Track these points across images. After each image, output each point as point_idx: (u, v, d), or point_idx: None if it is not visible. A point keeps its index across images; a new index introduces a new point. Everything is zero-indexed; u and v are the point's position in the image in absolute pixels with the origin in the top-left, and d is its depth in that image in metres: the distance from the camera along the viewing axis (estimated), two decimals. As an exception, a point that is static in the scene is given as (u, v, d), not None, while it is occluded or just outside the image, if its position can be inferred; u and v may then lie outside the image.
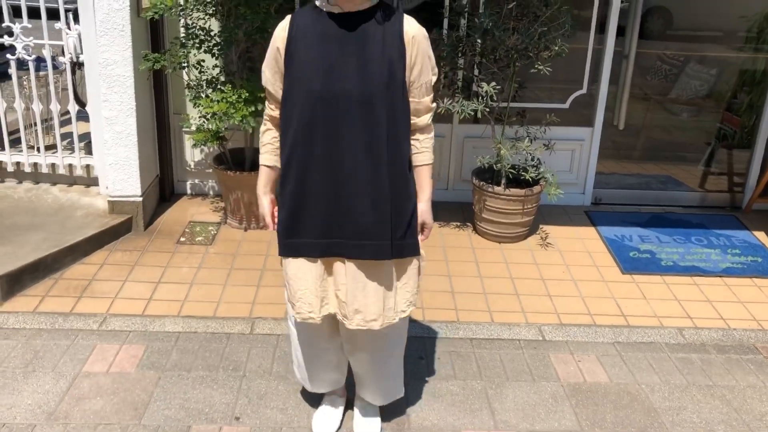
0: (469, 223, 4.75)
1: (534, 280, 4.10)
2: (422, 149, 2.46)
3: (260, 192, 2.55)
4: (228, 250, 4.30)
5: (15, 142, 4.81)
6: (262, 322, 3.57)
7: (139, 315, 3.60)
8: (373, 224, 2.38)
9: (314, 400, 2.99)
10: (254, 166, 4.30)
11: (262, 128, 2.58)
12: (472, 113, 3.96)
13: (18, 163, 4.74)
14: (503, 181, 4.35)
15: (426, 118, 2.44)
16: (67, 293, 3.75)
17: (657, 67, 5.61)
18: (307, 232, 2.43)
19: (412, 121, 2.40)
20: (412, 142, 2.44)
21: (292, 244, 2.47)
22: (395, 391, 2.86)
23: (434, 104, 2.49)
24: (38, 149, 4.72)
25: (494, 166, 4.32)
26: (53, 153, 4.75)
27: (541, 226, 4.79)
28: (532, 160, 4.40)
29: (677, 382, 3.26)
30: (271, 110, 2.51)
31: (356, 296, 2.46)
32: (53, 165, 4.73)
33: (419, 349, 3.41)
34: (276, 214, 2.54)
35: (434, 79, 2.46)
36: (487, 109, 4.03)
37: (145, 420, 2.87)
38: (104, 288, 3.82)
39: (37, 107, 4.64)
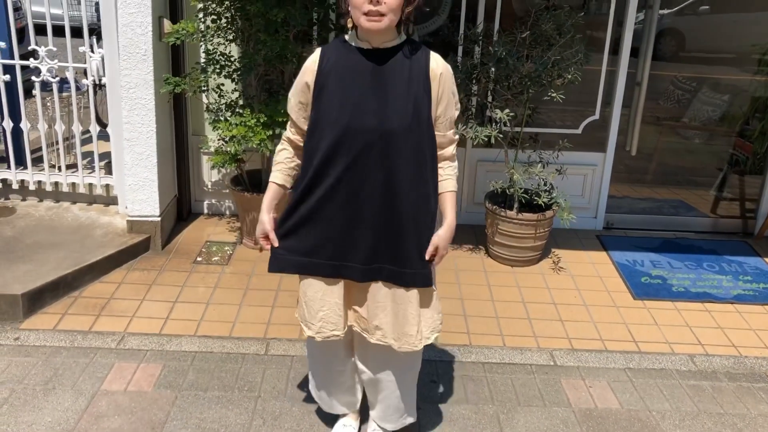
0: (481, 246, 4.80)
1: (546, 305, 4.14)
2: (446, 176, 2.52)
3: (264, 208, 2.58)
4: (243, 269, 4.37)
5: (36, 162, 4.91)
6: (277, 343, 3.62)
7: (156, 334, 3.66)
8: (384, 250, 2.47)
9: (328, 421, 3.04)
10: (271, 188, 4.37)
11: (279, 147, 2.65)
12: (486, 139, 4.02)
13: (39, 182, 4.83)
14: (516, 205, 4.40)
15: (450, 150, 2.54)
16: (86, 311, 3.82)
17: (670, 92, 5.65)
18: (320, 253, 2.51)
19: (438, 153, 2.49)
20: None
21: (305, 264, 2.53)
22: (407, 416, 2.89)
23: (457, 136, 2.57)
24: (59, 168, 4.82)
25: (507, 190, 4.37)
26: (74, 172, 4.85)
27: (553, 250, 4.83)
28: (545, 184, 4.45)
29: (688, 410, 3.28)
30: (291, 134, 2.58)
31: (377, 314, 2.55)
32: (74, 184, 4.83)
33: (432, 372, 3.45)
34: (274, 236, 2.57)
35: (457, 114, 2.55)
36: (500, 135, 4.09)
37: (162, 438, 2.92)
38: (122, 306, 3.89)
39: (59, 127, 4.75)
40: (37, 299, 3.77)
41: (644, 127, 5.28)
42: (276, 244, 2.55)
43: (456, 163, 2.58)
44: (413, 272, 2.49)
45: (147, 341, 3.59)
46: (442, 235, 2.53)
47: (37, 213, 4.71)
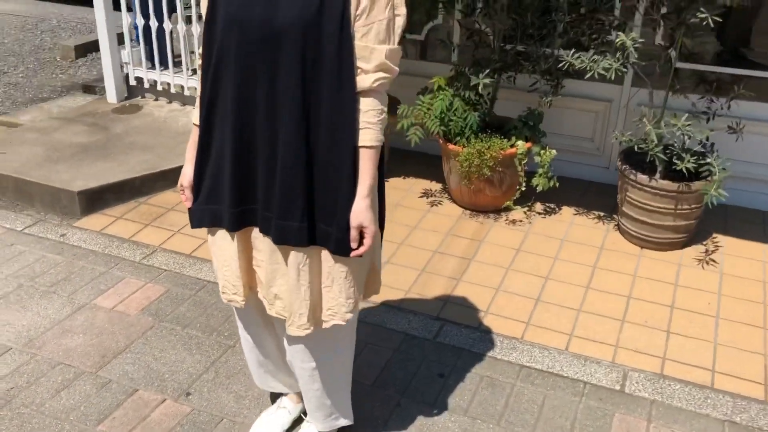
0: (615, 216, 3.73)
1: (658, 306, 3.05)
2: (364, 124, 1.78)
3: (186, 157, 2.02)
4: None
5: (165, 63, 4.87)
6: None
7: (186, 254, 3.40)
8: (281, 199, 1.82)
9: (276, 399, 2.52)
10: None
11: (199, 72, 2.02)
12: (604, 73, 2.96)
13: (169, 84, 4.80)
14: (659, 169, 3.27)
15: (370, 78, 1.75)
16: (139, 219, 3.69)
17: None
18: (217, 198, 1.93)
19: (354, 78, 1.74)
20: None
21: (198, 211, 1.98)
22: (338, 417, 2.26)
23: (394, 63, 1.77)
24: (194, 71, 4.71)
25: (637, 146, 3.25)
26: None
27: (714, 234, 3.58)
28: (701, 144, 3.23)
29: None
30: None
31: (275, 279, 1.96)
32: (195, 89, 4.71)
33: (448, 361, 2.71)
34: (190, 193, 2.01)
35: (399, 22, 1.76)
36: (624, 69, 2.98)
37: (102, 371, 2.65)
38: (175, 219, 3.69)
39: (195, 29, 4.62)
40: (96, 199, 3.72)
41: None
42: (189, 204, 2.00)
43: (381, 106, 1.79)
44: (303, 227, 1.83)
45: (172, 260, 3.34)
46: (358, 208, 1.82)
47: (157, 113, 4.70)
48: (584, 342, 2.84)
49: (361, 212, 1.82)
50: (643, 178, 3.26)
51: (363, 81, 1.74)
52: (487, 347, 2.80)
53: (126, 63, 4.84)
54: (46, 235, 3.54)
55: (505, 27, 3.40)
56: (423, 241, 3.49)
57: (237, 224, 1.92)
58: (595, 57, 2.98)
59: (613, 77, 2.93)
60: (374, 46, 1.73)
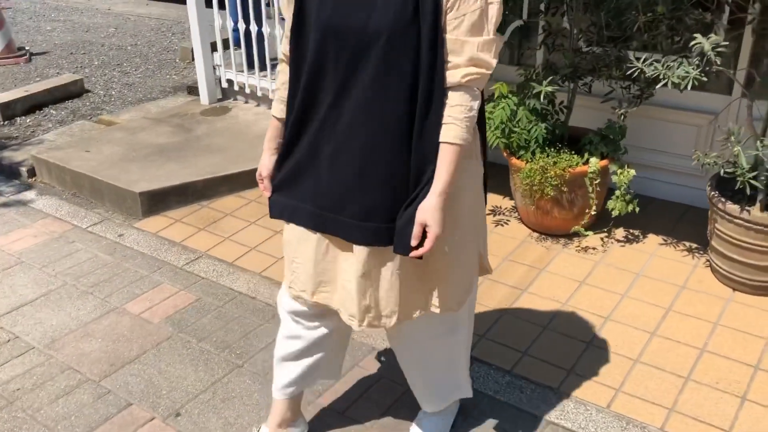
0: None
1: (737, 365, 2.52)
2: (449, 120, 1.67)
3: (264, 146, 1.99)
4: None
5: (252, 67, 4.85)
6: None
7: (228, 262, 3.31)
8: (373, 203, 1.78)
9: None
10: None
11: (278, 67, 2.04)
12: (678, 81, 2.47)
13: (256, 87, 4.77)
14: (759, 198, 2.72)
15: (460, 72, 1.63)
16: (196, 222, 3.65)
17: None
18: (299, 194, 1.87)
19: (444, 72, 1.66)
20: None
21: (279, 203, 1.93)
22: (453, 391, 2.23)
23: (488, 55, 1.64)
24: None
25: (723, 170, 2.71)
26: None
27: (833, 280, 2.94)
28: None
29: None
30: (286, 45, 1.88)
31: (365, 290, 1.87)
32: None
33: (461, 408, 2.38)
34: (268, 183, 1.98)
35: (493, 10, 1.62)
36: (704, 77, 2.47)
37: (106, 380, 2.60)
38: (229, 225, 3.61)
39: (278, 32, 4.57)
40: (159, 201, 3.74)
41: None
42: (268, 193, 1.97)
43: (472, 103, 1.67)
44: (389, 227, 1.77)
45: (212, 268, 3.26)
46: (427, 206, 1.70)
47: (242, 116, 4.69)
48: (632, 400, 2.40)
49: (428, 209, 1.69)
50: (733, 208, 2.73)
51: (452, 75, 1.64)
52: (513, 396, 2.45)
53: (218, 65, 4.88)
54: (106, 235, 3.59)
55: (582, 27, 2.99)
56: (476, 265, 3.16)
57: (319, 225, 1.85)
58: (671, 63, 2.50)
59: (689, 87, 2.44)
60: (466, 38, 1.61)
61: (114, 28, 7.93)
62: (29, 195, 4.06)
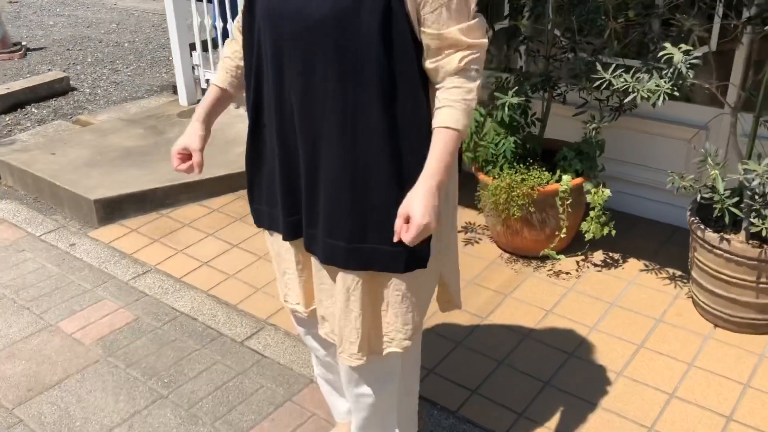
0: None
1: (709, 414, 2.25)
2: (444, 102, 1.50)
3: (195, 114, 1.81)
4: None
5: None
6: (271, 332, 2.73)
7: (176, 278, 3.11)
8: (327, 216, 1.61)
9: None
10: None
11: (228, 39, 1.87)
12: (647, 96, 2.20)
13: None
14: (744, 225, 2.44)
15: (456, 58, 1.48)
16: (151, 233, 3.47)
17: None
18: (275, 202, 1.73)
19: (429, 65, 1.51)
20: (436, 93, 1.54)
21: (258, 211, 1.81)
22: None
23: (478, 34, 1.50)
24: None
25: (700, 196, 2.43)
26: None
27: (827, 318, 2.64)
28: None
29: None
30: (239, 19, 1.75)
31: (321, 300, 1.76)
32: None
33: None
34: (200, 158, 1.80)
35: None
36: (675, 92, 2.19)
37: (19, 408, 2.42)
38: (185, 237, 3.42)
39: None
40: (116, 208, 3.56)
41: None
42: (198, 170, 1.79)
43: (469, 81, 1.50)
44: (354, 248, 1.57)
45: (158, 284, 3.07)
46: (409, 198, 1.50)
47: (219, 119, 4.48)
48: (585, 453, 2.15)
49: (414, 199, 1.47)
50: (712, 237, 2.45)
51: (449, 64, 1.48)
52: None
53: (197, 65, 4.70)
54: (57, 244, 3.42)
55: (556, 32, 2.73)
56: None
57: (292, 233, 1.71)
58: (641, 75, 2.23)
59: (661, 102, 2.17)
60: (450, 28, 1.46)
61: (116, 23, 7.81)
62: (-11, 199, 3.92)
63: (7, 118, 5.02)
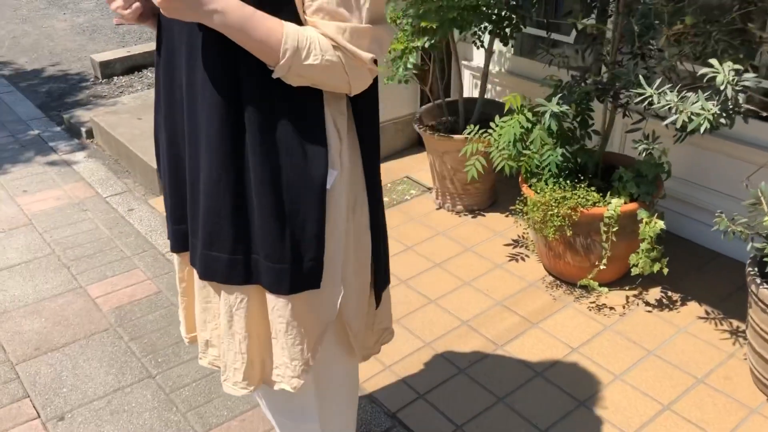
0: (763, 336, 2.43)
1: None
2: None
3: None
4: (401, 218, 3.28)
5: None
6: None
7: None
8: (206, 223, 1.41)
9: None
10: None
11: None
12: (682, 130, 1.82)
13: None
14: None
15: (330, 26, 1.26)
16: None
17: None
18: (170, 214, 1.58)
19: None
20: None
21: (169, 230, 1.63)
22: None
23: (360, 44, 1.27)
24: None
25: (752, 245, 2.01)
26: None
27: None
28: None
29: None
30: None
31: (207, 321, 1.57)
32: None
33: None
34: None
35: None
36: (724, 120, 1.79)
37: (22, 365, 2.51)
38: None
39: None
40: (177, 179, 3.60)
41: None
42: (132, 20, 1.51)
43: (338, 51, 1.26)
44: (236, 260, 1.41)
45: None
46: None
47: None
48: None
49: None
50: (765, 292, 2.03)
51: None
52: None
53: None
54: (118, 207, 3.53)
55: (617, 35, 2.37)
56: (460, 306, 2.68)
57: (177, 244, 1.56)
58: (687, 95, 1.86)
59: (702, 130, 1.80)
60: (323, 22, 1.25)
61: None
62: (78, 156, 4.12)
63: (123, 80, 5.28)
